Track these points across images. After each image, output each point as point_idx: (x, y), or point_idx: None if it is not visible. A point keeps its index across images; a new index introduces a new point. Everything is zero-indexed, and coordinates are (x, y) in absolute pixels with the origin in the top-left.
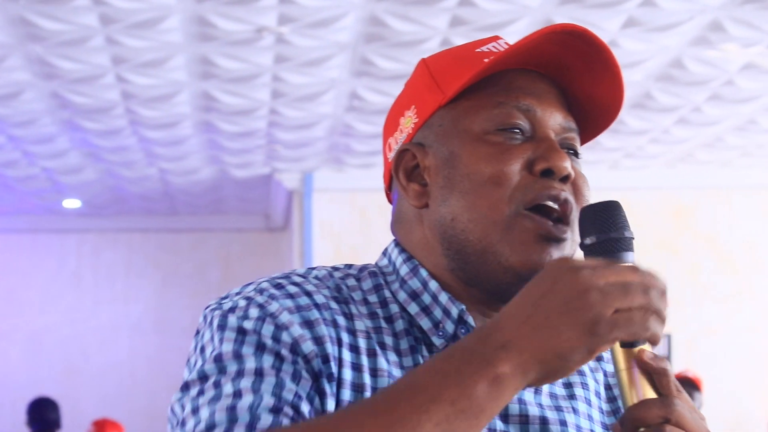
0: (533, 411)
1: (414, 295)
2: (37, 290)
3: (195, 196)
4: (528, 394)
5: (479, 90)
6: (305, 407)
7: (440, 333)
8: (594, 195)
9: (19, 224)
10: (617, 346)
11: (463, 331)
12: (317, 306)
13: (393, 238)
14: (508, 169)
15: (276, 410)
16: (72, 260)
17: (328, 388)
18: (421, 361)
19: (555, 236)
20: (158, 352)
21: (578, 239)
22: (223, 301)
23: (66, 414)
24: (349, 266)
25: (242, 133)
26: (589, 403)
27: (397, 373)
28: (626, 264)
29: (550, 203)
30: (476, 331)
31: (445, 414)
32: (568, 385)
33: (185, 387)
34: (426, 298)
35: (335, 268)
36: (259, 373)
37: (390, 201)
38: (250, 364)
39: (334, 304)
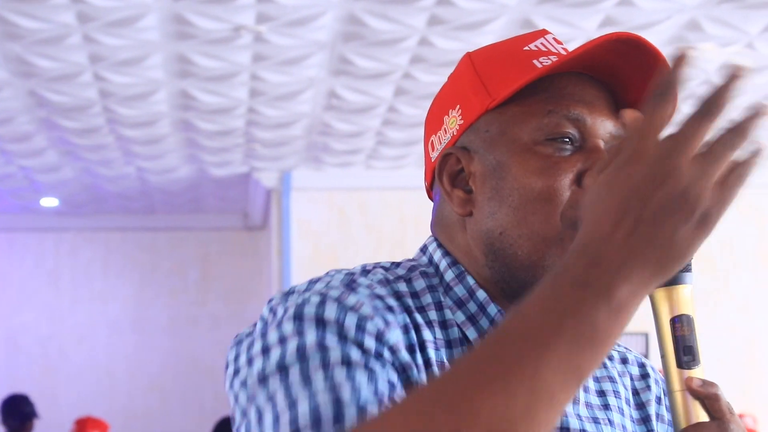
0: (574, 424)
1: (460, 303)
2: (14, 289)
3: (173, 195)
4: (568, 405)
5: (528, 95)
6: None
7: (475, 327)
8: None
9: None
10: (672, 366)
11: None
12: (390, 309)
13: (430, 235)
14: (559, 184)
15: (377, 401)
16: (50, 259)
17: (417, 378)
18: None
19: None
20: (136, 351)
21: None
22: (290, 296)
23: (44, 413)
24: (396, 265)
25: (220, 131)
26: (622, 412)
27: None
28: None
29: None
30: (574, 256)
31: (566, 349)
32: (602, 394)
33: (263, 380)
34: (472, 307)
35: (386, 269)
36: (347, 363)
37: (431, 199)
38: (336, 354)
39: (402, 313)
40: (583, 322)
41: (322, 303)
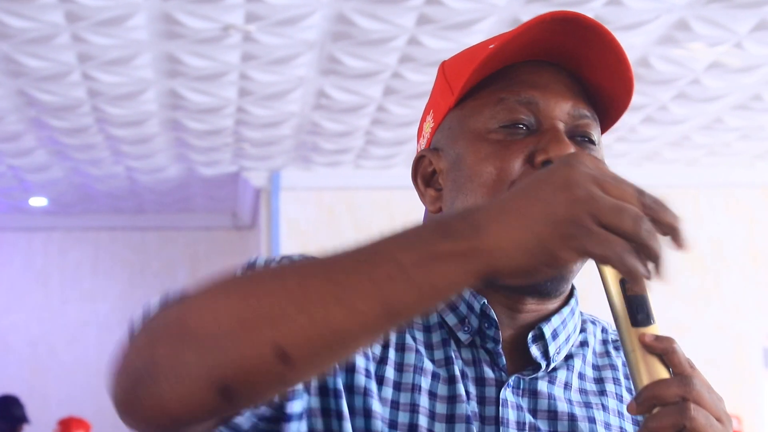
0: (562, 407)
1: None
2: (3, 289)
3: (162, 195)
4: (558, 389)
5: (484, 88)
6: None
7: (466, 328)
8: None
9: None
10: (626, 326)
11: (486, 325)
12: None
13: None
14: (508, 165)
15: None
16: (39, 259)
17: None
18: (452, 354)
19: None
20: None
21: None
22: None
23: (33, 412)
24: None
25: (209, 131)
26: (620, 399)
27: (427, 364)
28: (634, 186)
29: None
30: (455, 213)
31: (374, 280)
32: (600, 381)
33: None
34: None
35: None
36: None
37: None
38: None
39: None
40: (393, 258)
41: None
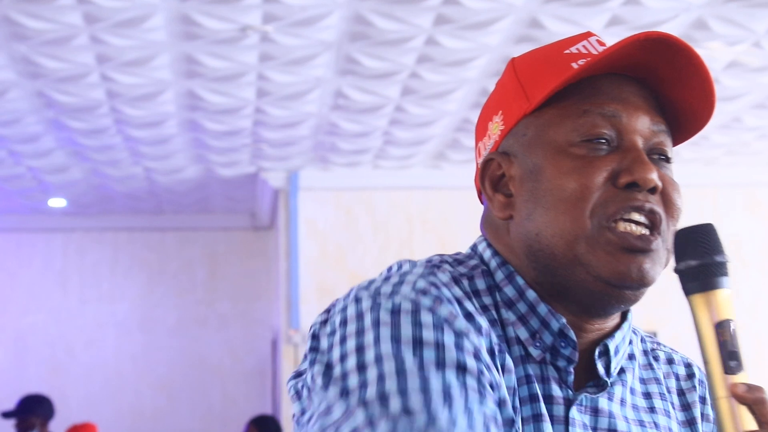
0: (621, 426)
1: (510, 303)
2: (22, 290)
3: (181, 195)
4: (615, 406)
5: (564, 98)
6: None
7: (537, 344)
8: None
9: (4, 224)
10: (717, 372)
11: (563, 344)
12: (470, 315)
13: (480, 235)
14: (591, 183)
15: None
16: (58, 259)
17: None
18: (531, 372)
19: (640, 248)
20: (144, 352)
21: (672, 260)
22: (378, 297)
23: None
24: (458, 261)
25: (227, 131)
26: (668, 415)
27: (510, 383)
28: None
29: (636, 216)
30: None
31: None
32: (648, 396)
33: (364, 403)
34: (522, 307)
35: (452, 264)
36: (447, 393)
37: (482, 203)
38: (436, 382)
39: (482, 317)
40: None
41: (416, 319)
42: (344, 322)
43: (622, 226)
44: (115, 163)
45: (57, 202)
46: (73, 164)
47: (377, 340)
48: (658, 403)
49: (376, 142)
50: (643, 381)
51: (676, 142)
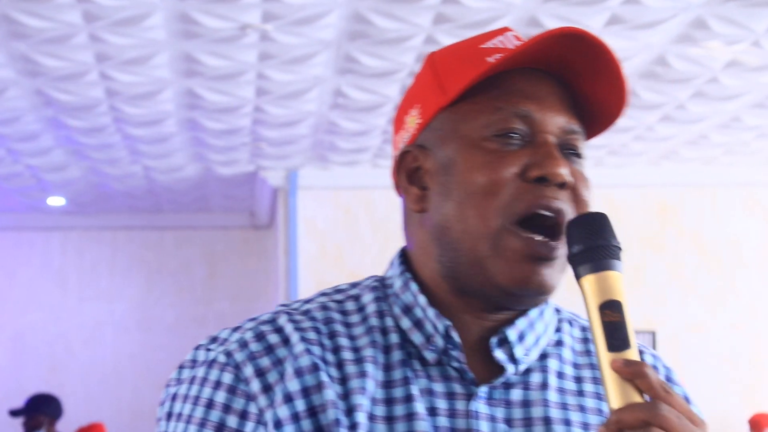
0: (537, 412)
1: (407, 309)
2: (21, 288)
3: (179, 194)
4: (534, 393)
5: (480, 92)
6: None
7: (432, 347)
8: None
9: (2, 222)
10: (602, 350)
11: (450, 347)
12: (279, 362)
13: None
14: (501, 177)
15: None
16: (56, 258)
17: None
18: (411, 375)
19: (544, 256)
20: (142, 350)
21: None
22: (182, 371)
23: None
24: (355, 284)
25: (227, 130)
26: (599, 398)
27: (380, 395)
28: None
29: (544, 212)
30: None
31: None
32: (579, 380)
33: None
34: (418, 312)
35: (339, 291)
36: None
37: (400, 196)
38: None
39: (314, 349)
40: None
41: (216, 380)
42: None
43: (526, 234)
44: (114, 161)
45: (56, 201)
46: (72, 163)
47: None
48: (588, 387)
49: (376, 141)
50: (576, 366)
51: (589, 136)
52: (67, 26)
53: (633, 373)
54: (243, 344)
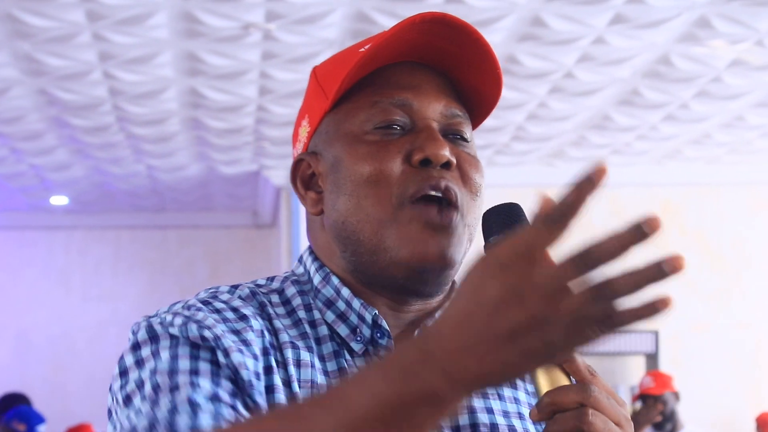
0: (483, 418)
1: (329, 303)
2: (24, 288)
3: (183, 193)
4: (477, 400)
5: (358, 91)
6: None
7: (358, 338)
8: None
9: (6, 221)
10: None
11: (378, 335)
12: (244, 318)
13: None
14: (387, 165)
15: (214, 398)
16: (60, 257)
17: (255, 383)
18: (345, 365)
19: (440, 224)
20: None
21: (476, 233)
22: (151, 318)
23: (54, 409)
24: (271, 279)
25: (230, 129)
26: (514, 386)
27: (321, 379)
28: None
29: (432, 192)
30: (414, 343)
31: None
32: (514, 387)
33: (127, 399)
34: (341, 305)
35: (258, 285)
36: (194, 372)
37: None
38: (184, 364)
39: (259, 320)
40: (398, 413)
41: (171, 320)
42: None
43: (421, 204)
44: (117, 160)
45: (59, 200)
46: (75, 162)
47: (136, 345)
48: (522, 396)
49: None
50: None
51: (476, 123)
52: (71, 25)
53: None
54: (198, 309)
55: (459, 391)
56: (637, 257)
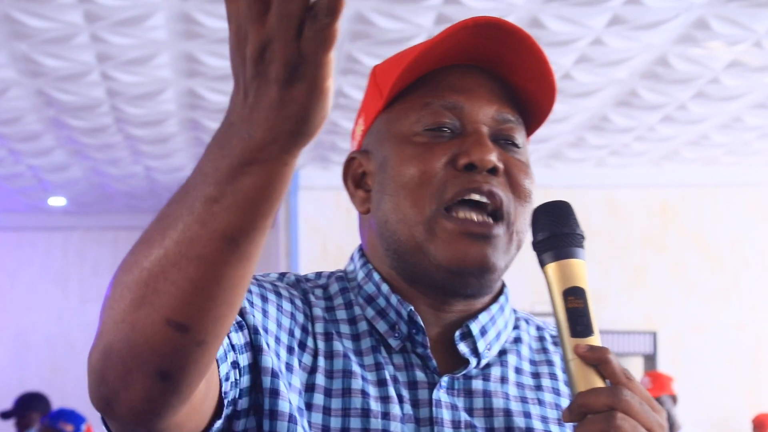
0: (497, 403)
1: (370, 299)
2: (22, 288)
3: None
4: (493, 385)
5: (411, 92)
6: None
7: (396, 335)
8: (580, 193)
9: (4, 222)
10: (566, 336)
11: (414, 331)
12: (289, 299)
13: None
14: (430, 167)
15: None
16: (58, 258)
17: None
18: (381, 361)
19: (478, 233)
20: None
21: (525, 237)
22: None
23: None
24: (319, 275)
25: None
26: (557, 393)
27: (357, 369)
28: None
29: (476, 197)
30: (221, 126)
31: (209, 212)
32: (536, 375)
33: None
34: (381, 302)
35: (307, 279)
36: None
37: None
38: None
39: (297, 303)
40: (209, 178)
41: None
42: None
43: (462, 213)
44: (115, 161)
45: (57, 201)
46: (74, 163)
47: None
48: (546, 382)
49: None
50: (533, 362)
51: (531, 130)
52: (69, 26)
53: (596, 359)
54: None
55: (265, 145)
56: (635, 257)
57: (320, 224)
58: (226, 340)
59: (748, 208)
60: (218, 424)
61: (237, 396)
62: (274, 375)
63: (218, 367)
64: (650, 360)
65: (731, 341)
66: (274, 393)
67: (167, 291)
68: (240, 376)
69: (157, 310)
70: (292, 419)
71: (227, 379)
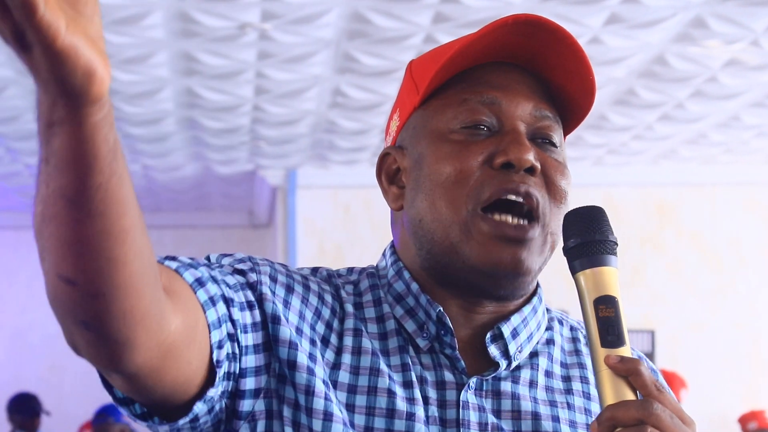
0: (526, 406)
1: (399, 298)
2: (21, 287)
3: (178, 193)
4: (522, 388)
5: (448, 88)
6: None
7: (425, 335)
8: (577, 191)
9: (2, 221)
10: (596, 346)
11: (442, 332)
12: (317, 293)
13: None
14: (467, 166)
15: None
16: None
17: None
18: (408, 361)
19: (513, 237)
20: None
21: (559, 242)
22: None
23: (50, 409)
24: (350, 270)
25: (226, 129)
26: (588, 397)
27: (384, 367)
28: None
29: (512, 197)
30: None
31: (46, 172)
32: (567, 379)
33: None
34: (410, 301)
35: (339, 274)
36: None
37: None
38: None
39: (326, 298)
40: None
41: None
42: None
43: (498, 216)
44: None
45: None
46: None
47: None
48: (577, 385)
49: (375, 140)
50: (564, 365)
51: (568, 130)
52: None
53: (627, 371)
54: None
55: (51, 107)
56: (633, 256)
57: (318, 223)
58: (223, 310)
59: (745, 206)
60: (211, 392)
61: (236, 372)
62: (299, 368)
63: (209, 333)
64: (648, 359)
65: (729, 340)
66: (308, 370)
67: (46, 247)
68: (241, 353)
69: (48, 265)
70: (327, 397)
71: (220, 347)
